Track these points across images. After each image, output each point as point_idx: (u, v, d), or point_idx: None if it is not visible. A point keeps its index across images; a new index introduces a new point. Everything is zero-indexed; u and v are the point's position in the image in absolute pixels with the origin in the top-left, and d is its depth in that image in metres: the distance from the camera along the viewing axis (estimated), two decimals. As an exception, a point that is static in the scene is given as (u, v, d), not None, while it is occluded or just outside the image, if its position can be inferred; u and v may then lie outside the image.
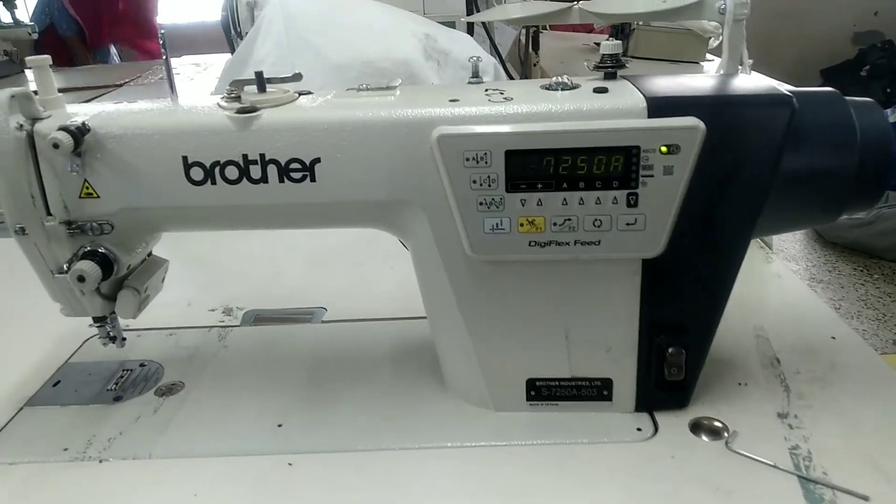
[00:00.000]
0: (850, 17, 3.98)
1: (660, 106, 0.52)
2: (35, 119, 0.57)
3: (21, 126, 0.56)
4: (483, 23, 1.43)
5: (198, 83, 2.26)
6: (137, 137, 0.56)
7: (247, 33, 1.68)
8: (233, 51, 1.72)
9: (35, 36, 2.74)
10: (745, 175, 0.54)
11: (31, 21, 2.98)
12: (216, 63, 2.35)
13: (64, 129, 0.54)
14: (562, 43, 2.49)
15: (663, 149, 0.51)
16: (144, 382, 0.70)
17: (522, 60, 2.17)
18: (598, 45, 2.46)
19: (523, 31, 2.11)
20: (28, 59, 0.59)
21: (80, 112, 0.58)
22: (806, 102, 0.54)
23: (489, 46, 1.54)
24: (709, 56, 2.13)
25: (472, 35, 1.53)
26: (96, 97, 2.08)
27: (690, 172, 0.52)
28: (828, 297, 2.35)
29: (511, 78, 1.48)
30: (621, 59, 0.58)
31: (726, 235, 0.55)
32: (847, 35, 4.04)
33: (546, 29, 2.40)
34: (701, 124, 0.51)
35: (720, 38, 2.31)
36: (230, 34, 1.73)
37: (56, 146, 0.54)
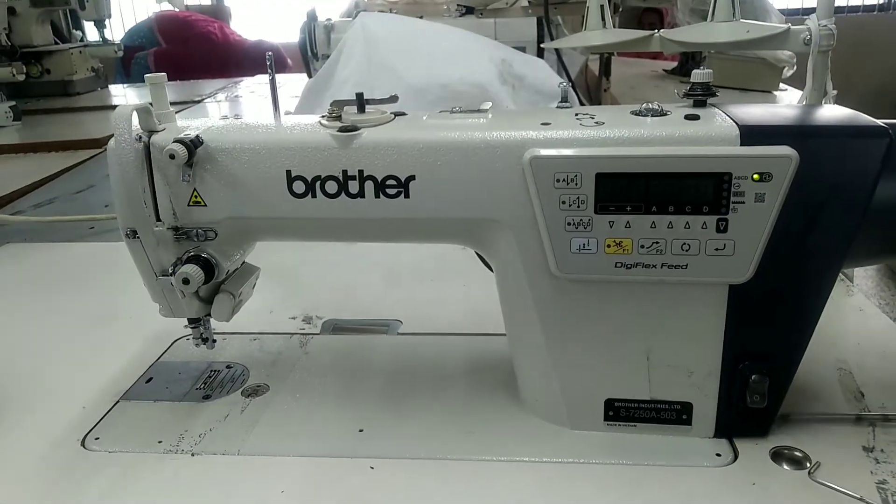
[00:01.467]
0: (928, 49, 3.85)
1: (752, 133, 0.53)
2: (152, 131, 0.62)
3: (140, 138, 0.60)
4: (557, 50, 1.45)
5: (269, 102, 2.35)
6: (245, 151, 0.60)
7: (323, 55, 1.75)
8: (308, 71, 1.79)
9: (120, 54, 2.89)
10: (838, 205, 0.54)
11: (121, 41, 3.15)
12: (287, 83, 2.44)
13: (179, 141, 0.58)
14: (630, 69, 2.49)
15: (755, 176, 0.52)
16: (231, 383, 0.74)
17: (589, 86, 2.19)
18: (667, 72, 2.45)
19: (591, 56, 2.12)
20: (147, 76, 0.64)
21: (191, 126, 0.63)
22: (900, 134, 0.54)
23: (557, 69, 1.56)
24: (782, 86, 2.10)
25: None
26: (177, 112, 2.19)
27: (782, 200, 0.52)
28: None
29: (581, 103, 1.50)
30: (712, 87, 0.59)
31: (815, 264, 0.55)
32: (925, 67, 3.91)
33: (614, 55, 2.40)
34: (794, 153, 0.52)
35: (794, 66, 2.27)
36: (307, 55, 1.80)
37: (172, 157, 0.58)
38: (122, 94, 2.83)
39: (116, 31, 4.22)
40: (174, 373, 0.76)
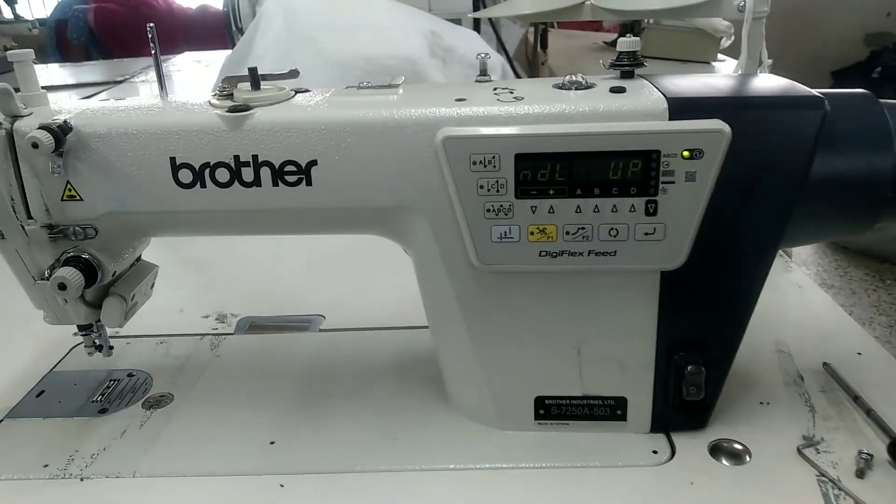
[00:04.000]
0: (861, 19, 3.92)
1: (682, 107, 0.49)
2: (15, 117, 0.54)
3: (-1, 125, 0.52)
4: (490, 20, 1.39)
5: (199, 80, 2.22)
6: (122, 137, 0.53)
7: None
8: (233, 47, 1.69)
9: (35, 32, 2.72)
10: (773, 182, 0.50)
11: (50, 16, 2.95)
12: (218, 60, 2.32)
13: (44, 127, 0.51)
14: (570, 41, 2.45)
15: (685, 153, 0.48)
16: (132, 394, 0.67)
17: (530, 59, 2.14)
18: (606, 43, 2.42)
19: (531, 29, 2.08)
20: (10, 52, 0.56)
21: (63, 110, 0.55)
22: (837, 105, 0.50)
23: (496, 44, 1.50)
24: (720, 56, 2.08)
25: (479, 33, 1.50)
26: (97, 93, 2.05)
27: (714, 178, 0.48)
28: (839, 303, 2.30)
29: (518, 77, 1.45)
30: (639, 57, 0.54)
31: (751, 246, 0.52)
32: (858, 37, 3.98)
33: (554, 27, 2.36)
34: (726, 127, 0.47)
35: (731, 37, 2.26)
36: (231, 30, 1.70)
37: (35, 146, 0.50)
38: (41, 75, 2.66)
39: (45, 7, 3.92)
40: (69, 384, 0.69)
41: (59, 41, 3.54)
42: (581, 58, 2.14)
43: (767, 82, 0.54)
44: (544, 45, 1.94)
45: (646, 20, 2.00)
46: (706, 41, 2.03)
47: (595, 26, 2.70)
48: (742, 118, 0.48)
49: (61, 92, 2.10)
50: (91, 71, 2.56)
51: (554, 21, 2.08)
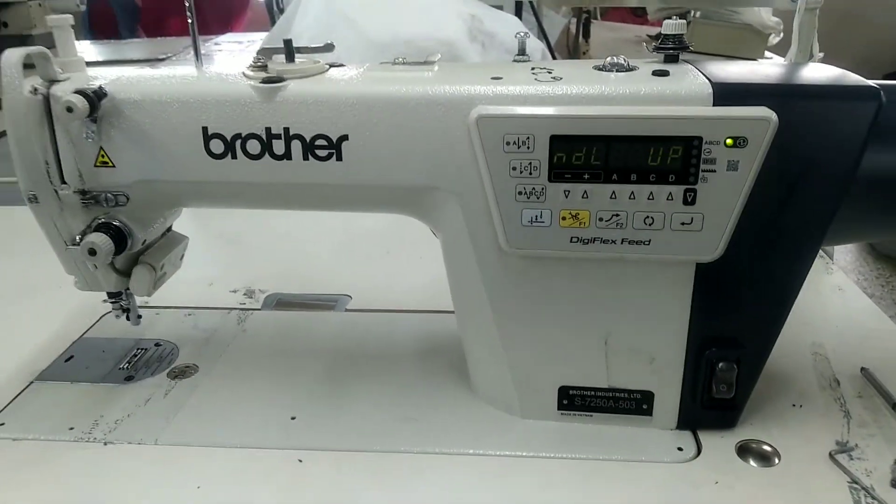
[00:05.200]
0: (917, 20, 3.78)
1: (727, 93, 0.47)
2: (52, 81, 0.54)
3: (36, 90, 0.53)
4: (532, 7, 1.37)
5: (238, 60, 2.24)
6: (156, 104, 0.52)
7: (290, 10, 1.65)
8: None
9: (83, 7, 2.76)
10: (820, 175, 0.48)
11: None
12: (259, 41, 2.33)
13: (80, 92, 0.51)
14: (613, 33, 2.41)
15: (729, 141, 0.46)
16: (158, 363, 0.67)
17: (570, 50, 2.11)
18: (650, 37, 2.38)
19: (573, 20, 2.04)
20: (49, 17, 0.56)
21: (99, 76, 0.55)
22: (894, 96, 0.48)
23: (537, 31, 1.48)
24: (767, 53, 2.03)
25: (519, 20, 1.48)
26: (139, 70, 2.08)
27: (757, 169, 0.46)
28: (879, 312, 2.23)
29: (558, 66, 1.42)
30: (685, 41, 0.52)
31: (793, 242, 0.50)
32: (914, 39, 3.84)
33: (596, 18, 2.32)
34: (773, 115, 0.45)
35: (780, 34, 2.20)
36: (272, 11, 1.71)
37: (70, 110, 0.51)
38: (84, 51, 2.70)
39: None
40: (98, 350, 0.70)
41: (91, 20, 3.60)
42: (623, 50, 2.09)
43: (818, 71, 0.52)
44: (586, 35, 1.91)
45: (692, 13, 1.95)
46: (754, 37, 1.98)
47: (639, 20, 2.65)
48: (790, 107, 0.46)
49: (102, 68, 2.14)
50: (133, 48, 2.60)
51: (598, 7, 2.05)
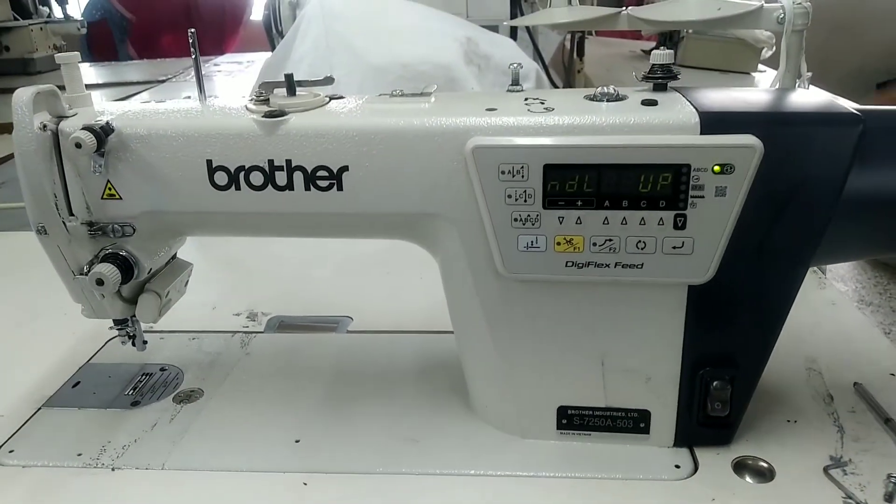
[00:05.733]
0: (908, 30, 3.81)
1: (713, 122, 0.48)
2: (61, 117, 0.56)
3: (45, 126, 0.54)
4: (527, 27, 1.39)
5: (238, 81, 2.27)
6: (161, 139, 0.54)
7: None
8: (273, 50, 1.71)
9: (83, 31, 2.79)
10: (806, 199, 0.49)
11: (82, 16, 3.04)
12: (258, 61, 2.36)
13: (87, 128, 0.53)
14: (607, 49, 2.44)
15: (716, 168, 0.47)
16: (164, 388, 0.68)
17: (566, 67, 2.13)
18: (645, 52, 2.40)
19: (568, 36, 2.07)
20: (57, 55, 0.58)
21: (106, 111, 0.57)
22: (876, 121, 0.50)
23: (532, 51, 1.50)
24: (760, 67, 2.05)
25: (515, 40, 1.50)
26: (138, 92, 2.11)
27: (745, 194, 0.48)
28: (878, 321, 2.24)
29: (554, 85, 1.44)
30: (673, 70, 0.54)
31: (782, 263, 0.51)
32: (905, 48, 3.87)
33: (591, 35, 2.34)
34: (758, 143, 0.47)
35: (773, 48, 2.24)
36: (272, 33, 1.73)
37: (78, 146, 0.52)
38: (85, 75, 2.73)
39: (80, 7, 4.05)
40: (104, 376, 0.71)
41: (89, 44, 3.63)
42: (618, 66, 2.12)
43: (803, 98, 0.53)
44: (581, 53, 1.94)
45: (685, 29, 1.98)
46: (747, 51, 2.01)
47: (633, 34, 2.68)
48: (775, 134, 0.48)
49: (102, 90, 2.16)
50: (133, 70, 2.63)
51: (591, 29, 2.07)
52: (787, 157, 0.48)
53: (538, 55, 1.46)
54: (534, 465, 0.56)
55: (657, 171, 0.48)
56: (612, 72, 2.04)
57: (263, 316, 0.82)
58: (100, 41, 3.74)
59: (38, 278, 0.94)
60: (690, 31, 2.01)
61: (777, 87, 0.82)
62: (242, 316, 0.82)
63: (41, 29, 2.63)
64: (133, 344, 0.66)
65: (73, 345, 0.77)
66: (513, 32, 1.58)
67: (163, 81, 2.37)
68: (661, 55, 0.54)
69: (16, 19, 2.59)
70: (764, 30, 1.60)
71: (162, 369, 0.72)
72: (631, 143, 0.48)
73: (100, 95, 1.97)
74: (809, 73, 0.87)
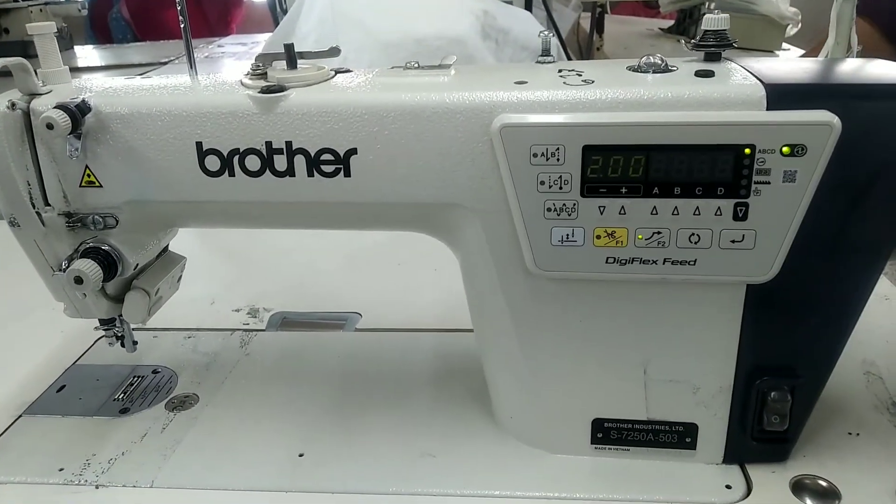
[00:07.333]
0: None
1: (782, 95, 0.41)
2: (33, 95, 0.49)
3: (14, 105, 0.48)
4: (543, 1, 1.32)
5: (245, 64, 2.19)
6: (145, 118, 0.48)
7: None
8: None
9: (84, 12, 2.72)
10: (888, 185, 0.43)
11: (82, -3, 2.97)
12: (264, 42, 2.29)
13: (61, 106, 0.46)
14: (625, 27, 2.35)
15: (785, 149, 0.41)
16: (156, 393, 0.63)
17: (581, 45, 2.05)
18: (662, 30, 2.32)
19: (584, 14, 1.99)
20: (29, 25, 0.52)
21: (84, 88, 0.51)
22: (969, 95, 0.43)
23: (548, 26, 1.43)
24: (784, 45, 1.97)
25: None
26: (139, 75, 2.04)
27: (818, 180, 0.41)
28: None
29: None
30: (728, 37, 0.47)
31: (857, 259, 0.44)
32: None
33: (607, 12, 2.26)
34: (835, 119, 0.40)
35: (798, 24, 2.12)
36: (275, 11, 1.66)
37: (50, 126, 0.46)
38: (86, 56, 2.67)
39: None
40: (91, 379, 0.66)
41: (92, 25, 3.56)
42: (637, 44, 2.04)
43: (882, 68, 0.46)
44: (600, 30, 1.86)
45: (706, 5, 1.89)
46: (771, 28, 1.92)
47: (651, 12, 2.59)
48: (854, 109, 0.41)
49: (102, 72, 2.09)
50: (134, 52, 2.56)
51: (608, 0, 1.99)
52: (868, 136, 0.42)
53: (555, 30, 1.38)
54: (565, 485, 0.50)
55: (716, 153, 0.41)
56: (630, 50, 1.96)
57: (265, 312, 0.76)
58: (103, 25, 3.67)
59: (21, 271, 0.88)
60: (711, 6, 1.92)
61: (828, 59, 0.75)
62: (242, 312, 0.76)
63: (41, 10, 2.56)
64: (122, 345, 0.60)
65: (59, 344, 0.71)
66: (527, 4, 1.50)
67: (165, 63, 2.30)
68: (715, 20, 0.47)
69: (15, 1, 2.52)
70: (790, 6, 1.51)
71: (154, 371, 0.66)
72: (685, 120, 0.42)
73: (100, 78, 1.91)
74: (860, 46, 0.79)
